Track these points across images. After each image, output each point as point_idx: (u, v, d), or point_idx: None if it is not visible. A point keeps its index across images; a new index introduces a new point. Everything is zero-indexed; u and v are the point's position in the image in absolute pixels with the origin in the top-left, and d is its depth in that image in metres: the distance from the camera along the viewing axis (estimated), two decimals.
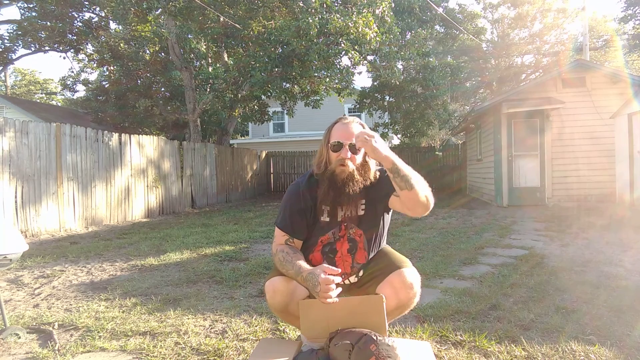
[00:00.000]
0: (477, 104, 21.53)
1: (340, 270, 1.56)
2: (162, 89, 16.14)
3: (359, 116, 19.46)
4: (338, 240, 1.85)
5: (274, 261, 1.85)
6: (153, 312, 2.86)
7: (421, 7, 15.67)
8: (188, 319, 2.72)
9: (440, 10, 17.57)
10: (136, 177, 9.04)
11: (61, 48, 15.10)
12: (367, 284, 1.87)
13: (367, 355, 1.45)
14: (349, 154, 1.73)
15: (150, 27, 12.13)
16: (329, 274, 1.56)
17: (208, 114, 14.49)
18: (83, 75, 17.78)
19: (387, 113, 15.99)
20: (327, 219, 1.82)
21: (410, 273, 1.77)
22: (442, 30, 20.76)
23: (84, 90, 18.86)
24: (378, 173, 1.84)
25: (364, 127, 1.78)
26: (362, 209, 1.84)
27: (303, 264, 1.70)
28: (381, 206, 1.85)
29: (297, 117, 15.75)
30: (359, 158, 1.77)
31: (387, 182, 1.74)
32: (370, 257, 1.90)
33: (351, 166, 1.74)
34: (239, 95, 11.82)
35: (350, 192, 1.73)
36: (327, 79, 12.57)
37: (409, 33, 14.65)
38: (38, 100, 27.18)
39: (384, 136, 15.65)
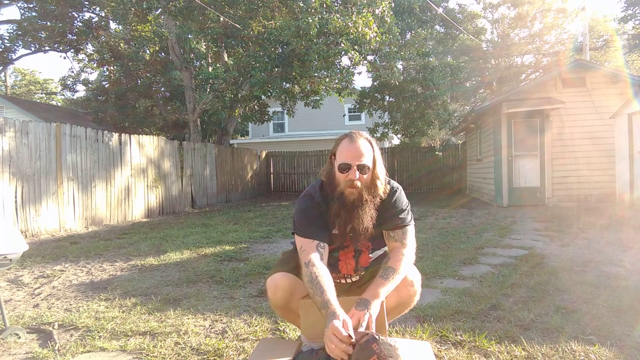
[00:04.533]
0: (477, 104, 21.52)
1: (347, 334, 1.42)
2: (162, 89, 16.14)
3: (359, 116, 19.48)
4: (342, 249, 1.86)
5: (302, 274, 1.67)
6: (153, 312, 2.86)
7: (421, 7, 15.67)
8: (188, 319, 2.72)
9: (440, 10, 17.58)
10: (136, 177, 9.03)
11: (61, 48, 15.09)
12: (368, 283, 1.86)
13: (369, 354, 1.44)
14: (358, 174, 1.70)
15: (150, 27, 12.15)
16: (340, 329, 1.40)
17: (208, 114, 14.49)
18: (83, 75, 17.82)
19: (387, 113, 15.98)
20: (337, 232, 1.83)
21: (411, 271, 1.77)
22: (442, 30, 20.77)
23: (84, 90, 18.91)
24: (389, 187, 1.83)
25: (371, 144, 1.75)
26: (372, 224, 1.84)
27: (332, 297, 1.55)
28: (387, 226, 1.85)
29: (297, 117, 15.75)
30: (367, 176, 1.74)
31: (397, 209, 1.80)
32: (374, 259, 1.92)
33: (359, 185, 1.72)
34: (239, 95, 11.81)
35: (360, 212, 1.72)
36: (327, 79, 12.55)
37: (409, 33, 14.66)
38: (38, 100, 27.17)
39: (384, 136, 15.64)
